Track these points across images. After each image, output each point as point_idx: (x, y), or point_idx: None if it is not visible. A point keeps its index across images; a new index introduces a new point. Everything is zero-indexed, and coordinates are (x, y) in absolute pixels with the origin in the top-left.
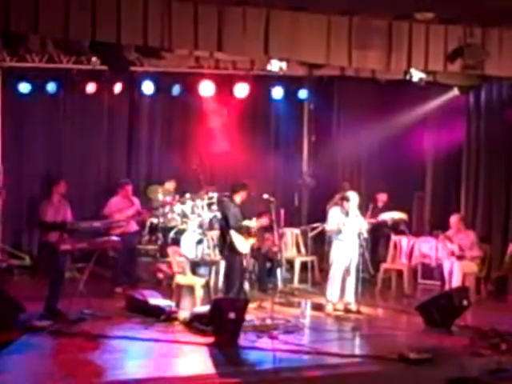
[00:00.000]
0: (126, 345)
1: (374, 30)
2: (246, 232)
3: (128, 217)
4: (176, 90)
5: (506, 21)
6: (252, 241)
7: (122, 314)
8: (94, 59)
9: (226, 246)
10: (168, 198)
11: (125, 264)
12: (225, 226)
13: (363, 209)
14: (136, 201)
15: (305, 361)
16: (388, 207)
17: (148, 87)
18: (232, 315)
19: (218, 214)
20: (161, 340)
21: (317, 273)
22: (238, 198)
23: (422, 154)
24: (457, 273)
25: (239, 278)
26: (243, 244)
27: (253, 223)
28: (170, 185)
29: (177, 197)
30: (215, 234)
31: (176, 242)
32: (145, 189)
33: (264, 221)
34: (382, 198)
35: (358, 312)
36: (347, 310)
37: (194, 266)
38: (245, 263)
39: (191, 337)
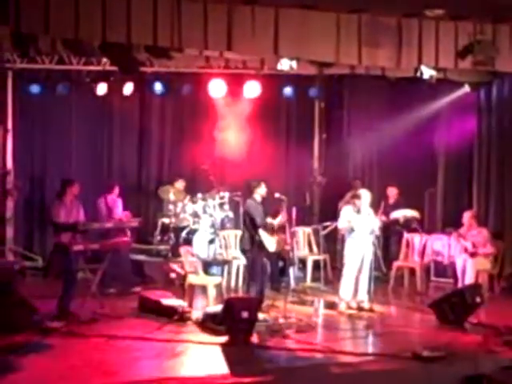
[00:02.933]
0: (138, 345)
1: (383, 28)
2: (270, 230)
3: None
4: (186, 90)
5: None
6: (276, 238)
7: (135, 315)
8: (104, 60)
9: (254, 246)
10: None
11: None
12: (250, 225)
13: (375, 206)
14: None
15: (318, 359)
16: (400, 203)
17: (158, 87)
18: (245, 314)
19: (230, 214)
20: (174, 340)
21: (329, 271)
22: (258, 195)
23: (433, 151)
24: (470, 270)
25: (263, 277)
26: (271, 242)
27: (275, 220)
28: (180, 184)
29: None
30: (227, 233)
31: (188, 241)
32: (156, 189)
33: (280, 218)
34: (393, 192)
35: (371, 310)
36: (360, 309)
37: (207, 266)
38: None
39: (204, 336)
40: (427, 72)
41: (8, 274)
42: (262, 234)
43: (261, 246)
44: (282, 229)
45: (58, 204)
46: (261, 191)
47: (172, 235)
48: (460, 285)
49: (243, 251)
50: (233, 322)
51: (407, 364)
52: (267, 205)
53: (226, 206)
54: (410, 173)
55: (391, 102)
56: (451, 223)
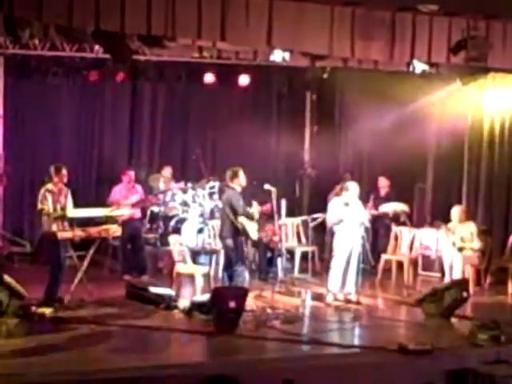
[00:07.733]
0: (125, 332)
1: (377, 21)
2: (251, 218)
3: (132, 203)
4: (178, 79)
5: (510, 13)
6: (256, 226)
7: (122, 302)
8: (96, 47)
9: (237, 233)
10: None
11: (132, 252)
12: (232, 214)
13: (365, 199)
14: (139, 188)
15: (304, 351)
16: (390, 196)
17: (150, 76)
18: (232, 304)
19: (220, 204)
20: (160, 328)
21: (317, 263)
22: (236, 185)
23: (423, 146)
24: (457, 264)
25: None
26: (253, 229)
27: (253, 208)
28: (167, 171)
29: (181, 184)
30: (216, 223)
31: (177, 230)
32: (146, 177)
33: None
34: (383, 183)
35: (358, 302)
36: (347, 301)
37: (195, 255)
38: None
39: (191, 325)
40: (419, 66)
41: None
42: (244, 222)
43: (244, 233)
44: (269, 219)
45: (45, 191)
46: (239, 181)
47: (161, 224)
48: (447, 279)
49: (224, 238)
50: (220, 312)
51: (393, 357)
52: (256, 195)
53: (216, 196)
54: (401, 167)
55: (383, 96)
56: (440, 217)
